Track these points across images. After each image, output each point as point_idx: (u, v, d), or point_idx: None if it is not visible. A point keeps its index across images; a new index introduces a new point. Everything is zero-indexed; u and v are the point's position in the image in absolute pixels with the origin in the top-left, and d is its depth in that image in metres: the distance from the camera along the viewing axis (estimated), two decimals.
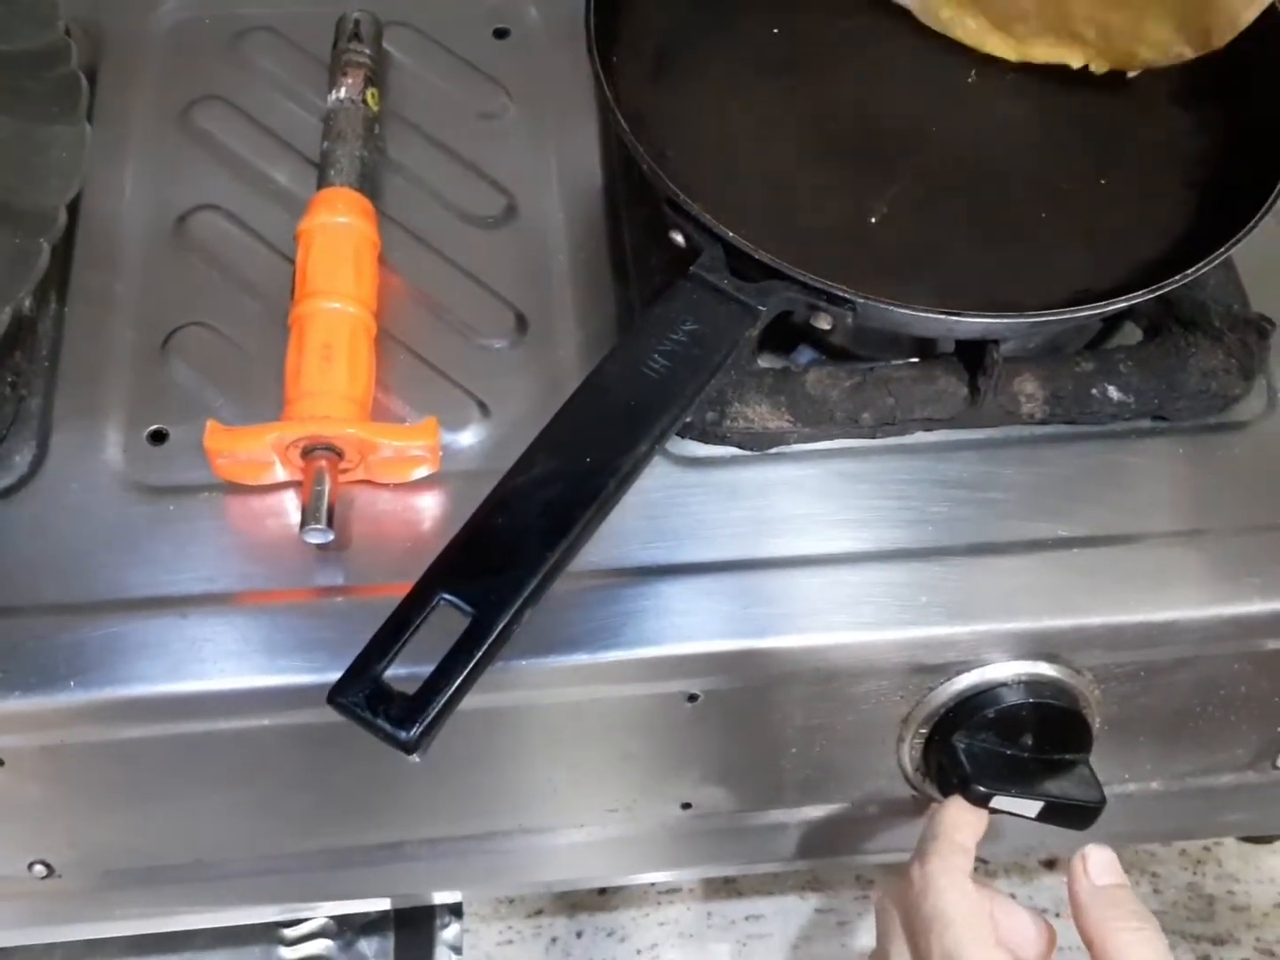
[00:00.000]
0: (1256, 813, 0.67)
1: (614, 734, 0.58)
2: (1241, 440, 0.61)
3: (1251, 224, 0.55)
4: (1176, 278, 0.54)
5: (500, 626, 0.45)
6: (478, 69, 0.71)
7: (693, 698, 0.56)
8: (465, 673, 0.44)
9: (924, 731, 0.58)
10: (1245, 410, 0.61)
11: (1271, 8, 0.61)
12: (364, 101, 0.65)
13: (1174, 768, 0.63)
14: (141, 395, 0.59)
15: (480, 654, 0.44)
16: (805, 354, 0.63)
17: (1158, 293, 0.54)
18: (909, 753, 0.59)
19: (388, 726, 0.43)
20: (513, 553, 0.46)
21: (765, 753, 0.60)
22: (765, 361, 0.62)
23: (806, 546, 0.57)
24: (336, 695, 0.44)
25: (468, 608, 0.45)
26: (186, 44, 0.71)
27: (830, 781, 0.62)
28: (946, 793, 0.57)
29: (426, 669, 0.45)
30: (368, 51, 0.67)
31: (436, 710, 0.43)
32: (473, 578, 0.46)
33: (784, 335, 0.62)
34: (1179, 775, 0.63)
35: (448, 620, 0.46)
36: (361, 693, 0.44)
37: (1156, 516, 0.58)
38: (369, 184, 0.64)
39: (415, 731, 0.43)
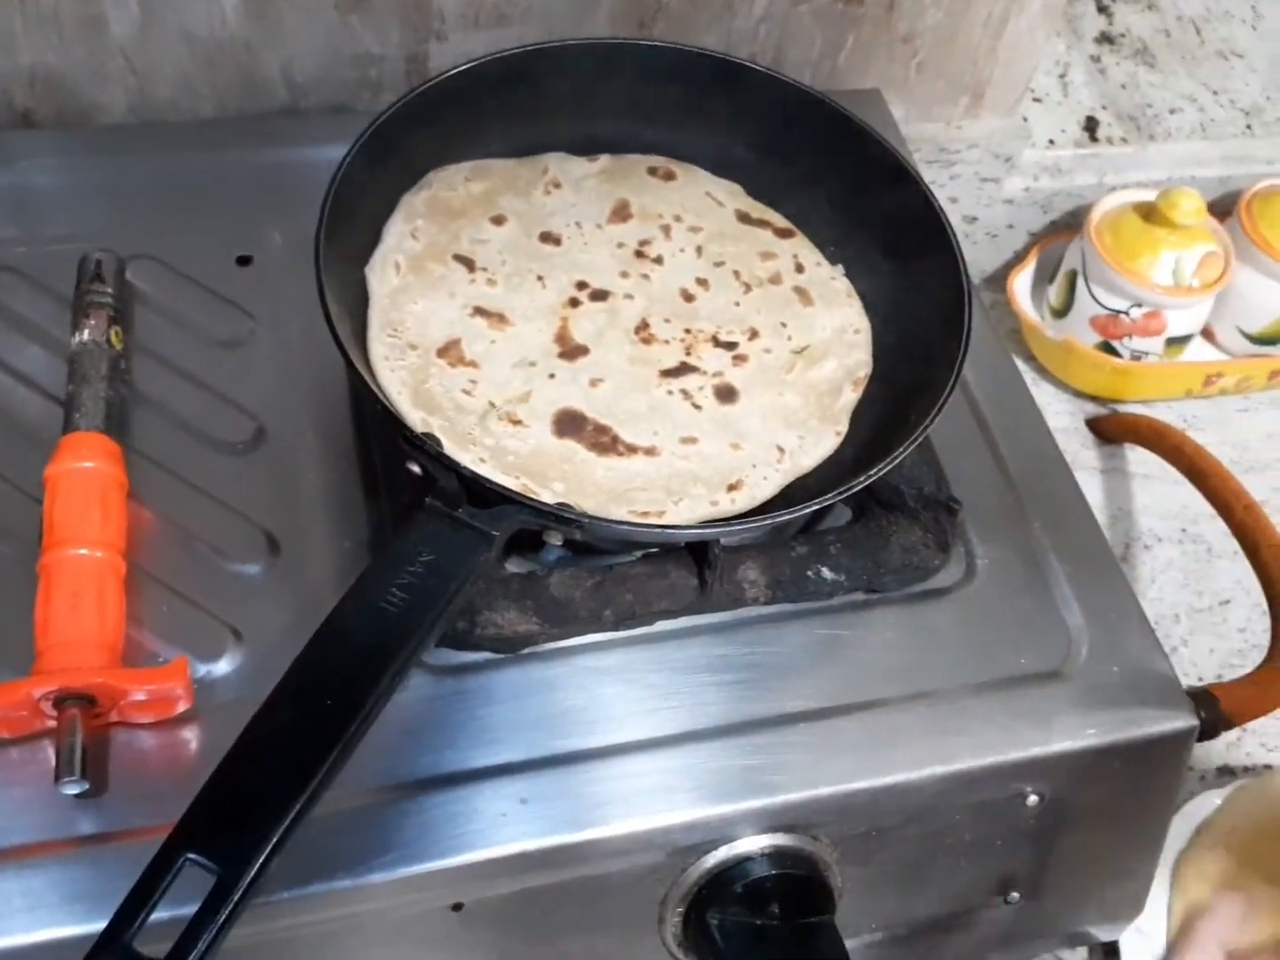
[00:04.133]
0: (1002, 946, 0.72)
1: (377, 947, 0.59)
2: (946, 606, 0.67)
3: (923, 428, 0.62)
4: (860, 479, 0.60)
5: (245, 883, 0.46)
6: (221, 296, 0.73)
7: (458, 906, 0.58)
8: (213, 935, 0.45)
9: (681, 910, 0.62)
10: (947, 577, 0.68)
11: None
12: (107, 342, 0.68)
13: (917, 913, 0.68)
14: None
15: (226, 914, 0.46)
16: (554, 552, 0.67)
17: (838, 498, 0.60)
18: (671, 933, 0.62)
19: None
20: (255, 806, 0.48)
21: (536, 948, 0.62)
22: (514, 565, 0.65)
23: (560, 745, 0.61)
24: None
25: (213, 866, 0.47)
26: None
27: None
28: None
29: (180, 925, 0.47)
30: (110, 291, 0.69)
31: None
32: (216, 835, 0.48)
33: (532, 535, 0.66)
34: (923, 919, 0.68)
35: (199, 873, 0.48)
36: None
37: (874, 685, 0.64)
38: (115, 423, 0.66)
39: None
